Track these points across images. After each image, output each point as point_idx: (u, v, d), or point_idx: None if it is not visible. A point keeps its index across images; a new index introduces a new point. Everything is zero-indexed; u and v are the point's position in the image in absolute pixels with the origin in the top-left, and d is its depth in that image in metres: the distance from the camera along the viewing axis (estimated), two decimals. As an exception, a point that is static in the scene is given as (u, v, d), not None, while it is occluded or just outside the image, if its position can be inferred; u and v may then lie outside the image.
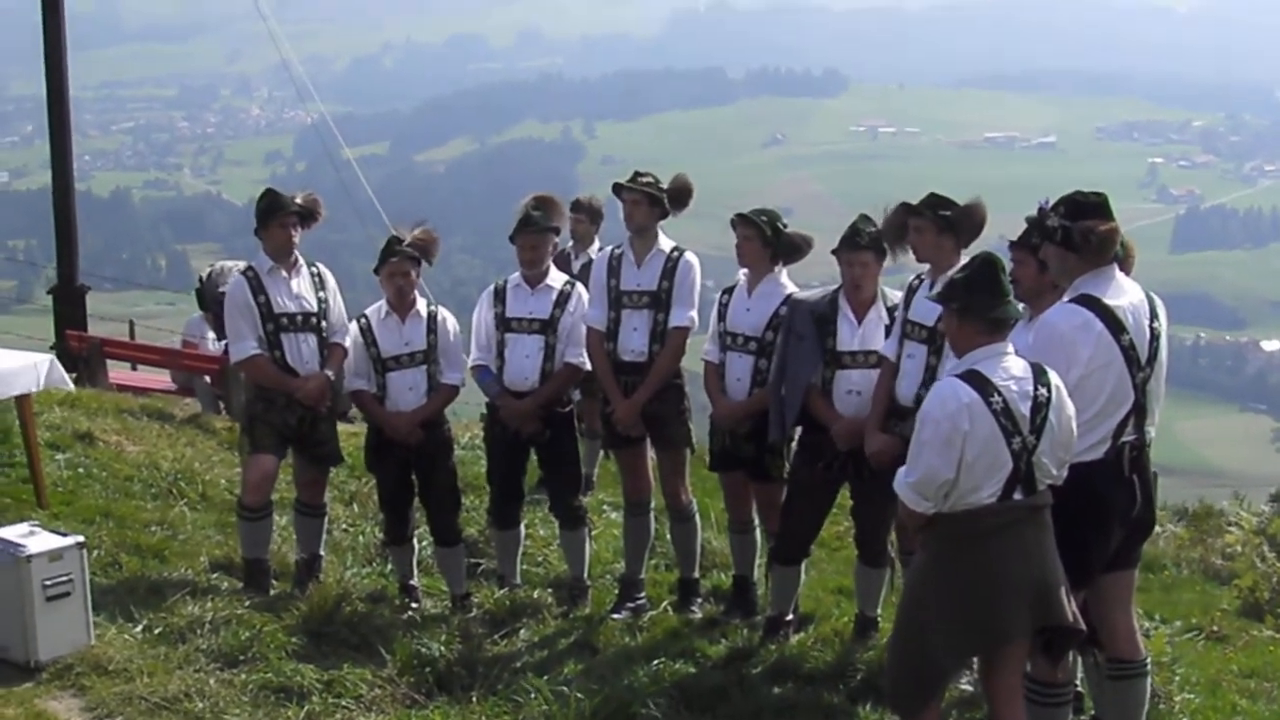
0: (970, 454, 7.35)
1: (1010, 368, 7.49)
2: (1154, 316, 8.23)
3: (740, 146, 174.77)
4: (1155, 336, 8.20)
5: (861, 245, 10.03)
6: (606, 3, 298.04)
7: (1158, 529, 14.12)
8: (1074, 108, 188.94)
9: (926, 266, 9.64)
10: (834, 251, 10.16)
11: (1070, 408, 7.59)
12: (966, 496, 7.42)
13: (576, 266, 13.30)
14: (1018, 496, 7.45)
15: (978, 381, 7.41)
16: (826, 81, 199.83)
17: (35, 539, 9.76)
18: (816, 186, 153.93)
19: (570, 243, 13.88)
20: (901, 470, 7.63)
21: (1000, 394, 7.38)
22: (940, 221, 9.45)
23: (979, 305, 7.53)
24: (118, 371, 21.20)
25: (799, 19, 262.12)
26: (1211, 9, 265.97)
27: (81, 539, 9.96)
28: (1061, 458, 7.60)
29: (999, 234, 8.92)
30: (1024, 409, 7.41)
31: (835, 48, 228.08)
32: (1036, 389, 7.46)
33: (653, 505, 11.45)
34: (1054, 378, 7.57)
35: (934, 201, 9.55)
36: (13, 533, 9.88)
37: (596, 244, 13.69)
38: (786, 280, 10.71)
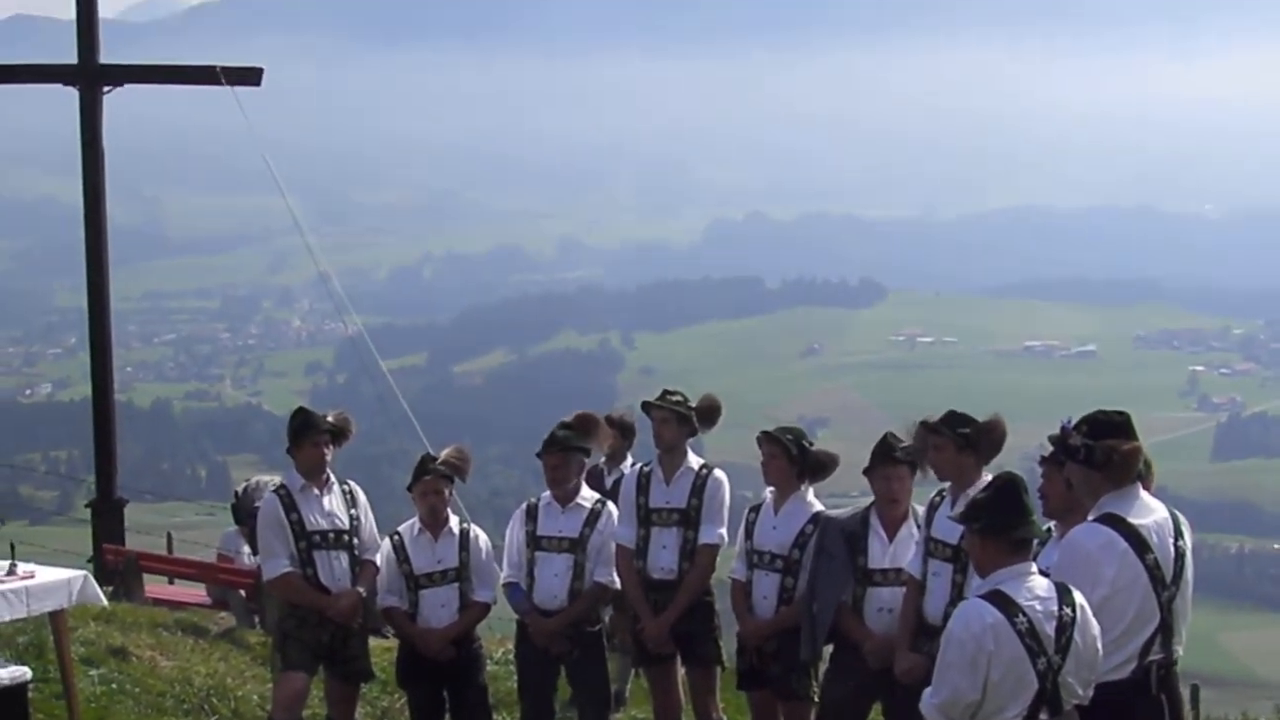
0: (995, 675, 7.34)
1: (1034, 587, 7.50)
2: (1179, 535, 8.26)
3: (778, 356, 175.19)
4: (1180, 555, 8.23)
5: (898, 459, 10.12)
6: (646, 214, 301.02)
7: (1199, 743, 14.05)
8: (1112, 315, 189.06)
9: (948, 484, 9.73)
10: (865, 471, 10.24)
11: (1095, 627, 7.59)
12: (992, 717, 7.39)
13: (609, 482, 13.31)
14: (1043, 717, 7.42)
15: (1002, 602, 7.41)
16: (863, 291, 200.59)
17: (66, 758, 9.81)
18: (855, 396, 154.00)
19: (602, 459, 13.95)
20: (927, 690, 7.62)
21: (1025, 614, 7.38)
22: (959, 440, 9.54)
23: (1001, 525, 7.55)
24: (154, 585, 21.26)
25: (835, 228, 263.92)
26: (1243, 213, 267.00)
27: (112, 758, 10.00)
28: (1087, 678, 7.58)
29: (1038, 443, 8.97)
30: (1049, 629, 7.41)
31: (872, 257, 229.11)
32: (1061, 609, 7.47)
33: (683, 722, 11.46)
34: (1079, 597, 7.58)
35: (952, 419, 9.65)
36: (44, 752, 9.93)
37: (629, 460, 13.72)
38: (813, 498, 10.78)
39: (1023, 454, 9.16)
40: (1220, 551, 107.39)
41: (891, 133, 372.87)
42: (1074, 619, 7.49)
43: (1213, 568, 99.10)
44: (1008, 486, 7.71)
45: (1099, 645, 7.63)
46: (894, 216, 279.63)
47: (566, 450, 11.17)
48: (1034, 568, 7.63)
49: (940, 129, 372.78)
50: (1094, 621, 7.61)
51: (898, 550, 10.21)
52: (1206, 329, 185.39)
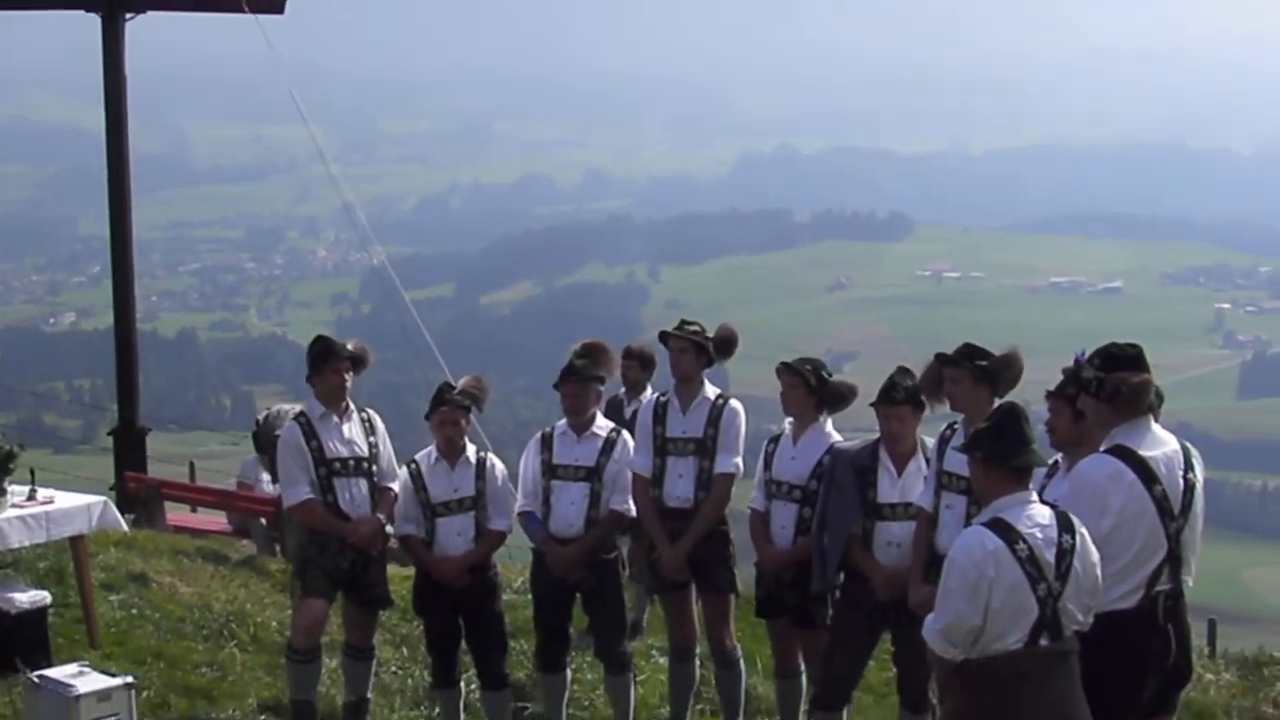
0: (996, 601, 7.43)
1: (1035, 515, 7.59)
2: (1189, 467, 8.32)
3: (805, 290, 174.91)
4: (1190, 487, 8.29)
5: (897, 400, 10.15)
6: (674, 145, 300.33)
7: (1211, 677, 14.10)
8: (1140, 252, 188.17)
9: (959, 417, 9.76)
10: (872, 404, 10.27)
11: (1095, 555, 7.67)
12: (994, 643, 7.49)
13: (629, 413, 13.33)
14: (1044, 643, 7.51)
15: (1002, 529, 7.50)
16: (892, 225, 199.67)
17: (84, 679, 9.91)
18: (882, 330, 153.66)
19: (622, 389, 13.98)
20: (930, 617, 7.72)
21: (1025, 541, 7.47)
22: (977, 371, 9.58)
23: (1003, 454, 7.64)
24: (176, 513, 21.37)
25: (864, 162, 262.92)
26: (1274, 150, 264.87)
27: (130, 679, 10.10)
28: (1087, 604, 7.67)
29: (1060, 379, 9.00)
30: (1049, 556, 7.50)
31: (900, 191, 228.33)
32: (1061, 536, 7.55)
33: (698, 651, 11.52)
34: (1079, 525, 7.66)
35: (969, 352, 9.68)
36: (62, 673, 10.04)
37: (649, 391, 13.71)
38: (831, 429, 10.82)
39: (1045, 388, 9.19)
40: (1244, 489, 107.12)
41: (923, 65, 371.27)
42: (1074, 546, 7.58)
43: (1236, 505, 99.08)
44: (1009, 415, 7.81)
45: (1099, 572, 7.72)
46: (924, 150, 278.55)
47: (585, 380, 11.20)
48: (1035, 496, 7.74)
49: (973, 63, 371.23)
50: (1094, 549, 7.70)
51: (906, 485, 10.25)
52: (1233, 266, 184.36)
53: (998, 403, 9.28)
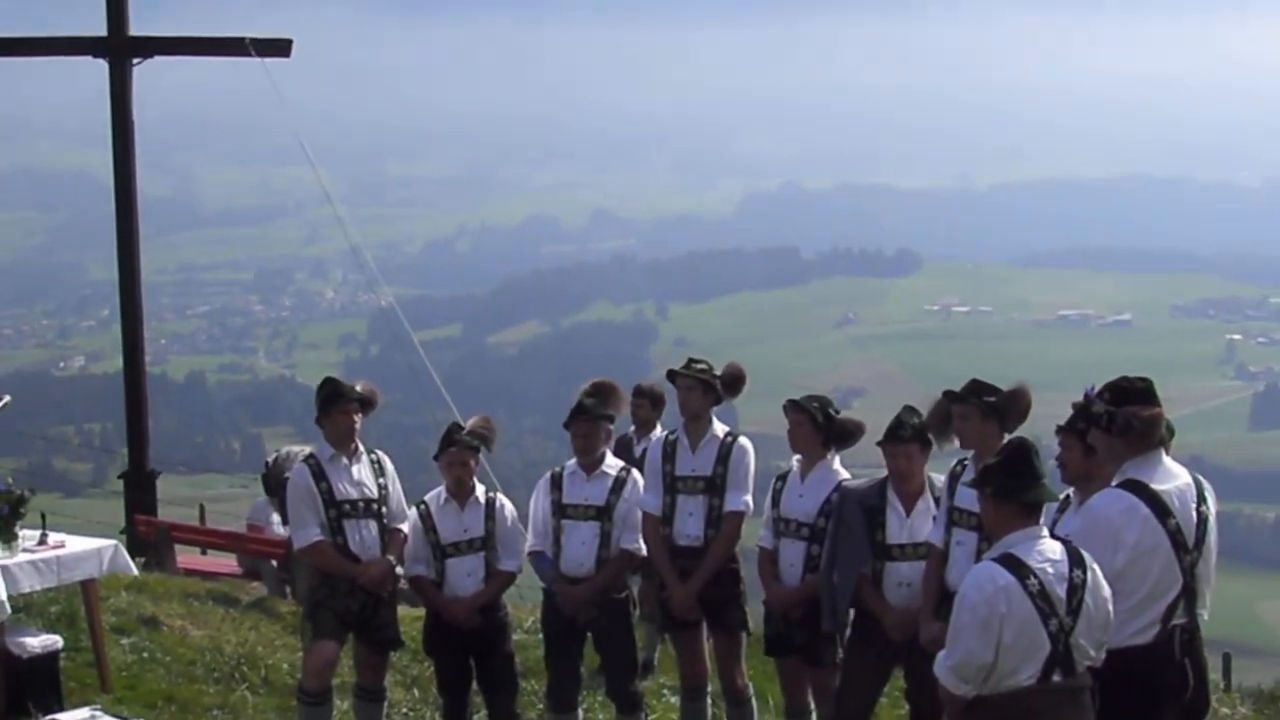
0: (1008, 636, 7.43)
1: (1046, 550, 7.58)
2: (1201, 500, 8.30)
3: (813, 327, 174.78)
4: (1203, 520, 8.26)
5: (905, 438, 10.14)
6: (679, 184, 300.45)
7: (1227, 711, 14.07)
8: (1149, 285, 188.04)
9: (970, 453, 9.74)
10: (879, 443, 10.26)
11: (1106, 590, 7.66)
12: (1006, 679, 7.48)
13: (639, 451, 13.31)
14: (1057, 678, 7.51)
15: (1013, 564, 7.50)
16: (899, 261, 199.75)
17: (96, 724, 9.90)
18: (890, 366, 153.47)
19: (632, 428, 13.97)
20: (941, 654, 7.71)
21: (1036, 576, 7.47)
22: (985, 408, 9.56)
23: (1013, 489, 7.63)
24: (186, 556, 21.37)
25: (870, 199, 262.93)
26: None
27: (142, 723, 10.08)
28: (1099, 639, 7.66)
29: (1070, 413, 9.00)
30: (1060, 591, 7.49)
31: (907, 227, 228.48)
32: (1072, 571, 7.54)
33: (710, 689, 11.49)
34: (1090, 560, 7.65)
35: (977, 388, 9.66)
36: (74, 717, 10.05)
37: (659, 429, 13.71)
38: (839, 466, 10.81)
39: (1055, 423, 9.18)
40: (1258, 521, 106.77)
41: (929, 101, 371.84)
42: (1085, 581, 7.58)
43: (1249, 537, 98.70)
44: (1019, 450, 7.81)
45: (1110, 607, 7.72)
46: (931, 186, 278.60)
47: (594, 419, 11.22)
48: (1045, 531, 7.74)
49: (978, 97, 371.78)
50: (1105, 584, 7.69)
51: (915, 524, 10.24)
52: (1243, 297, 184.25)
53: (1007, 438, 9.27)
